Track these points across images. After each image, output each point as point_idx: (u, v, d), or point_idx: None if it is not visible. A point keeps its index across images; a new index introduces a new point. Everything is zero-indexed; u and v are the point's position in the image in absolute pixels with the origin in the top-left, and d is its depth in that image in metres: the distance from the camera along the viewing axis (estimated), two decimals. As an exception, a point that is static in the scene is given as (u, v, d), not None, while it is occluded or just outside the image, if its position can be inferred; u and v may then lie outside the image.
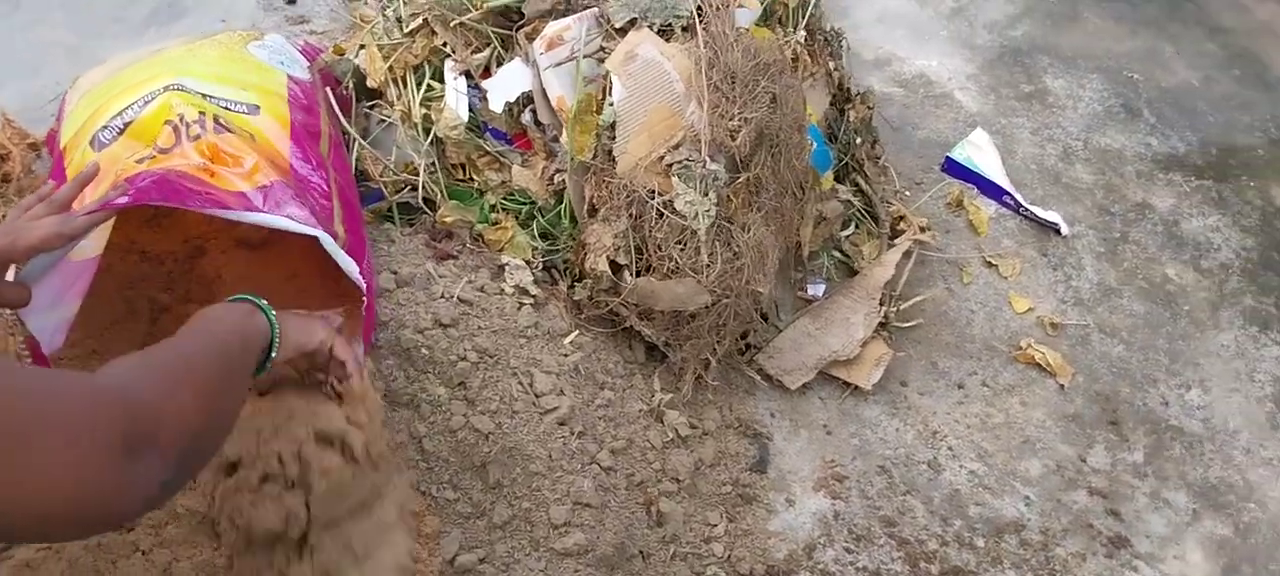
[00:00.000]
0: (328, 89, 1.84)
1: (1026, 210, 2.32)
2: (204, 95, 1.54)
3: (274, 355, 1.12)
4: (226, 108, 1.54)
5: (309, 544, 1.20)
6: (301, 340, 1.17)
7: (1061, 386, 2.04)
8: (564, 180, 1.81)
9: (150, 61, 1.68)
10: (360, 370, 1.24)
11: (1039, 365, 2.06)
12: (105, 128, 1.51)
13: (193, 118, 1.48)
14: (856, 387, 1.94)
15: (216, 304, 1.11)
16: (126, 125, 1.50)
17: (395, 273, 1.68)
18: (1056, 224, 2.31)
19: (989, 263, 2.22)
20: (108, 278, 1.52)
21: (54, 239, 1.19)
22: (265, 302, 1.13)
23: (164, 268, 1.64)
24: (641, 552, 1.63)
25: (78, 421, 0.75)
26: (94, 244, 1.41)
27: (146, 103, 1.52)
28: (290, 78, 1.72)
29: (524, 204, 1.87)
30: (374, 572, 1.25)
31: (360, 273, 1.44)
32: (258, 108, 1.59)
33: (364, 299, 1.46)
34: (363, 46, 1.93)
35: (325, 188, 1.57)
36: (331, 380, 1.23)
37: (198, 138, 1.46)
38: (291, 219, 1.37)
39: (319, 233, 1.37)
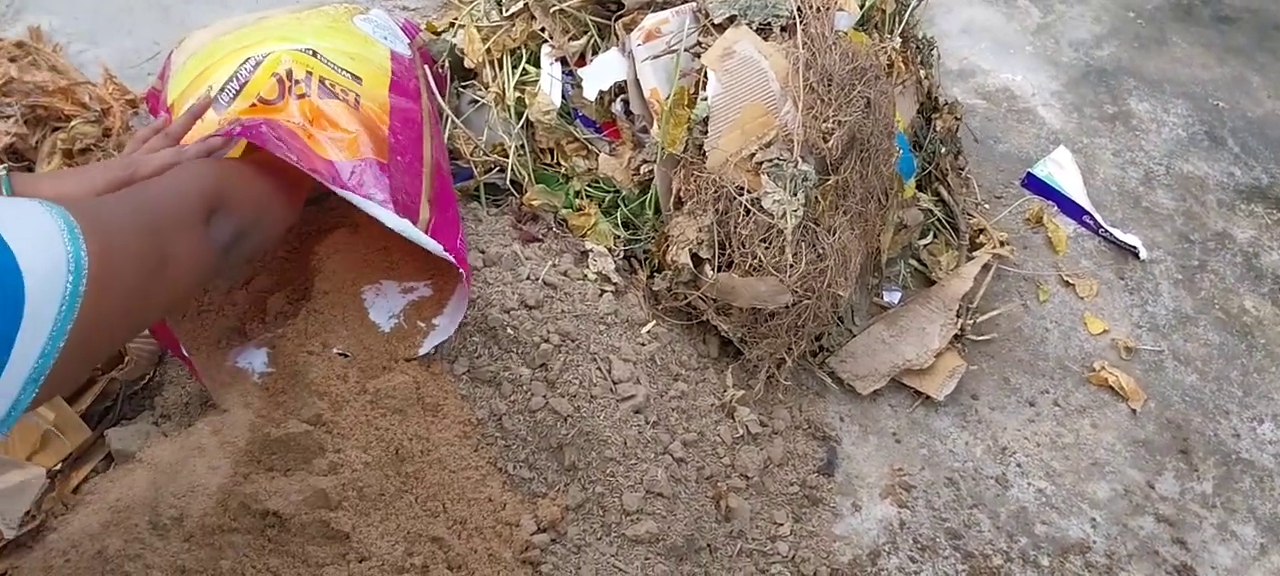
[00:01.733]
0: (426, 67, 1.87)
1: (1106, 232, 2.31)
2: (314, 53, 1.57)
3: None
4: (334, 67, 1.57)
5: None
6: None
7: (1133, 411, 2.02)
8: (650, 171, 1.83)
9: (257, 26, 1.71)
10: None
11: (1111, 388, 2.04)
12: (223, 90, 1.55)
13: (301, 75, 1.52)
14: (927, 397, 1.93)
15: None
16: (242, 86, 1.54)
17: (483, 252, 1.71)
18: (1135, 247, 2.29)
19: (1066, 282, 2.21)
20: None
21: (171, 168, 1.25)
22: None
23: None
24: (709, 546, 1.64)
25: (186, 209, 1.11)
26: None
27: (258, 63, 1.55)
28: (393, 53, 1.75)
29: (608, 192, 1.89)
30: None
31: (456, 248, 1.47)
32: (360, 78, 1.62)
33: (460, 273, 1.48)
34: (460, 26, 1.95)
35: (418, 164, 1.59)
36: None
37: (303, 95, 1.49)
38: (371, 200, 1.40)
39: (401, 225, 1.39)
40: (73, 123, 1.81)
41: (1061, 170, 2.39)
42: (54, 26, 2.23)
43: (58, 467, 1.47)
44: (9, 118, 1.78)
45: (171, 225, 1.05)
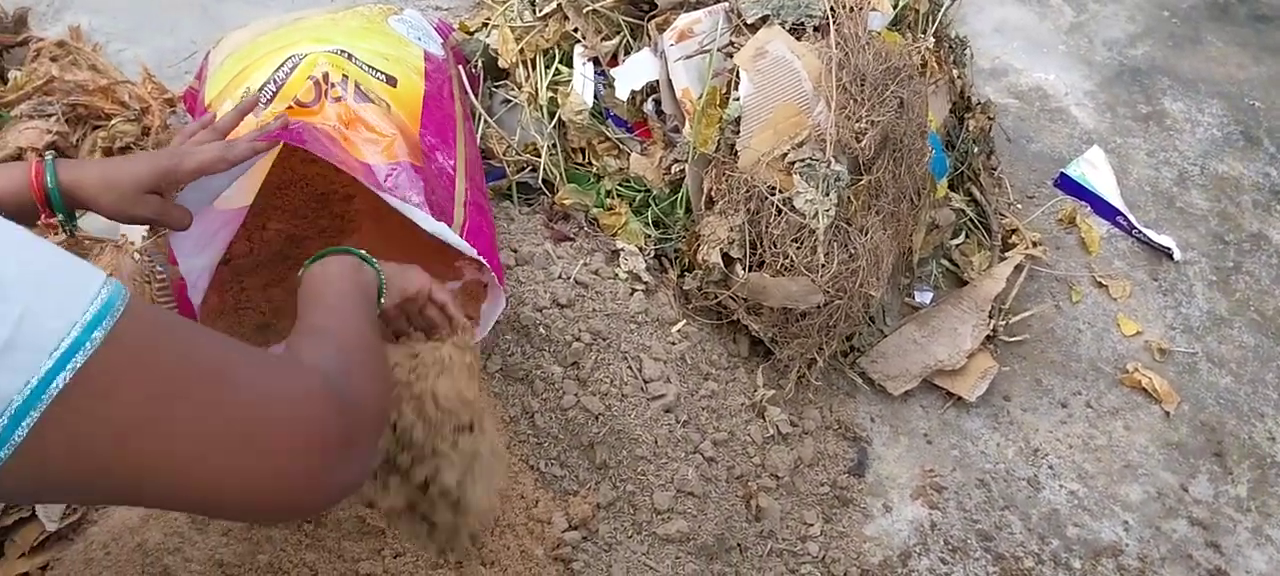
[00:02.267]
0: (460, 67, 1.88)
1: (1139, 232, 2.29)
2: (348, 56, 1.59)
3: (382, 303, 1.14)
4: (368, 71, 1.59)
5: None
6: (403, 285, 1.20)
7: (1166, 413, 2.01)
8: (681, 170, 1.83)
9: (294, 27, 1.73)
10: (459, 309, 1.27)
11: (1145, 390, 2.03)
12: (260, 91, 1.56)
13: (337, 79, 1.53)
14: (959, 398, 1.93)
15: (321, 263, 1.10)
16: (279, 88, 1.55)
17: (515, 251, 1.72)
18: (1169, 248, 2.28)
19: (1099, 283, 2.20)
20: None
21: (218, 163, 1.23)
22: (363, 252, 1.14)
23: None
24: (739, 545, 1.65)
25: (311, 422, 0.76)
26: (242, 194, 1.46)
27: (295, 65, 1.57)
28: (426, 53, 1.76)
29: (639, 191, 1.89)
30: (486, 490, 1.24)
31: (488, 249, 1.48)
32: (395, 80, 1.63)
33: (487, 272, 1.49)
34: (494, 26, 1.96)
35: (451, 166, 1.60)
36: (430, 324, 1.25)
37: (339, 99, 1.50)
38: (407, 203, 1.41)
39: (438, 227, 1.40)
40: (112, 121, 1.83)
41: (1095, 170, 2.37)
42: (94, 26, 2.26)
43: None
44: (50, 116, 1.80)
45: (274, 439, 0.74)
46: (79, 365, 0.61)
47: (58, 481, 0.65)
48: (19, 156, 1.73)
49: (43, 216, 1.15)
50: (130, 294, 0.66)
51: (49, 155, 1.20)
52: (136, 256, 1.61)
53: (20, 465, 0.60)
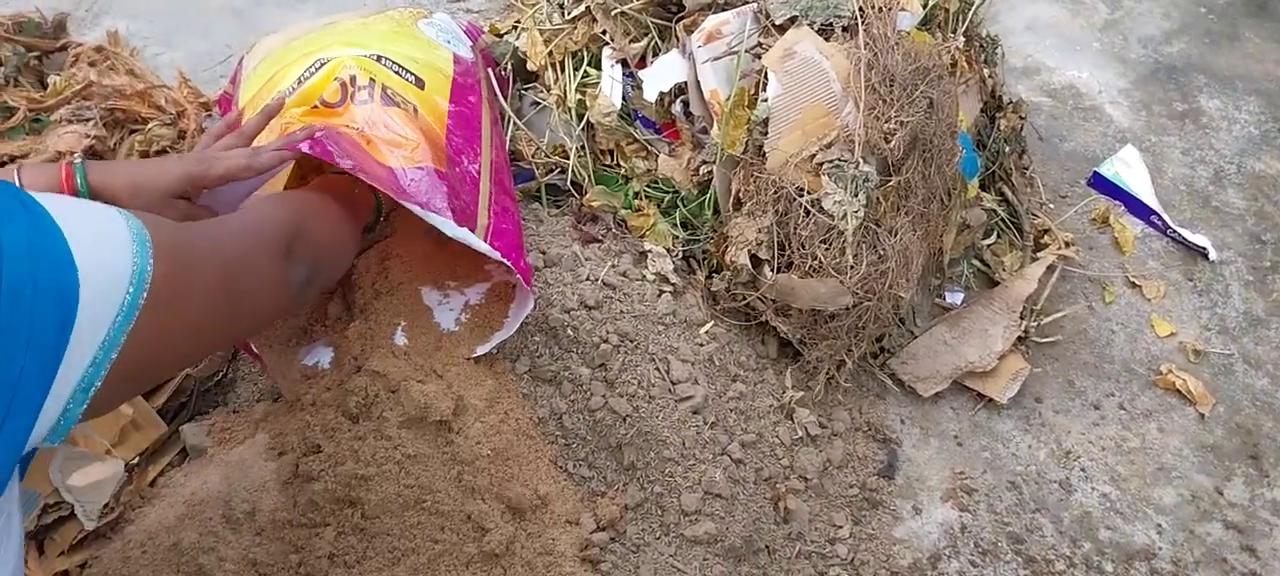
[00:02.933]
0: (489, 70, 1.89)
1: (1174, 232, 2.27)
2: (377, 59, 1.60)
3: (381, 219, 1.59)
4: (396, 72, 1.60)
5: None
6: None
7: (1201, 415, 1.99)
8: (709, 171, 1.83)
9: (326, 31, 1.75)
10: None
11: (1179, 392, 2.01)
12: (286, 92, 1.58)
13: (363, 82, 1.55)
14: (990, 400, 1.92)
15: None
16: (300, 83, 1.57)
17: (543, 253, 1.73)
18: (1204, 248, 2.25)
19: (1132, 283, 2.18)
20: None
21: (244, 171, 1.28)
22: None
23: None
24: (767, 547, 1.65)
25: (267, 243, 1.12)
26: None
27: (321, 66, 1.58)
28: (455, 56, 1.77)
29: (667, 192, 1.90)
30: None
31: (514, 250, 1.49)
32: (423, 82, 1.65)
33: (516, 276, 1.50)
34: (523, 29, 1.97)
35: (476, 171, 1.61)
36: None
37: (365, 103, 1.52)
38: (429, 209, 1.41)
39: (459, 232, 1.41)
40: (149, 125, 1.86)
41: (1129, 169, 2.35)
42: (131, 30, 2.30)
43: (135, 461, 1.52)
44: (88, 121, 1.83)
45: (248, 259, 1.06)
46: (148, 275, 0.81)
47: (143, 361, 0.83)
48: (58, 160, 1.76)
49: None
50: (142, 223, 0.84)
51: (78, 157, 1.23)
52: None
53: (130, 353, 0.79)
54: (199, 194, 1.26)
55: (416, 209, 1.38)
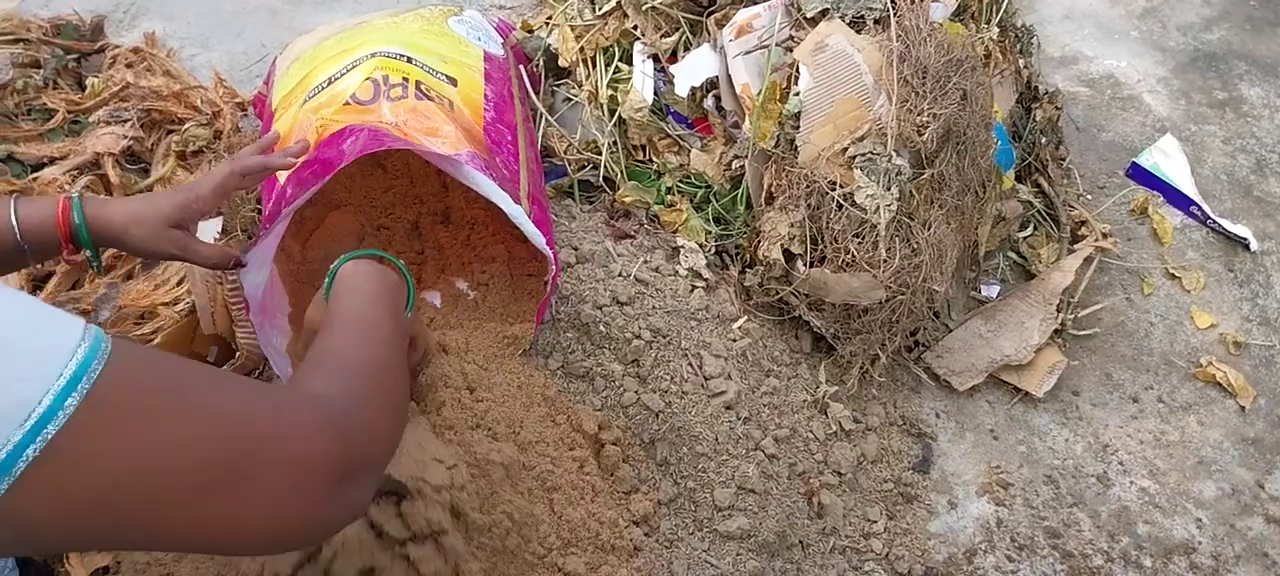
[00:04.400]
0: (521, 67, 1.90)
1: (1214, 222, 2.23)
2: (408, 59, 1.61)
3: (409, 313, 1.16)
4: (429, 72, 1.61)
5: None
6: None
7: (1242, 408, 1.96)
8: (741, 166, 1.83)
9: (357, 31, 1.76)
10: None
11: (1219, 384, 1.98)
12: (314, 89, 1.60)
13: (397, 81, 1.56)
14: (1026, 394, 1.90)
15: (351, 265, 1.11)
16: (330, 81, 1.59)
17: (576, 249, 1.73)
18: (1245, 238, 2.22)
19: (1172, 274, 2.15)
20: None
21: (229, 177, 1.25)
22: (398, 259, 1.19)
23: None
24: (801, 542, 1.65)
25: (303, 456, 0.74)
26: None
27: (353, 66, 1.60)
28: (486, 53, 1.78)
29: (699, 187, 1.89)
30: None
31: (547, 245, 1.49)
32: (455, 81, 1.66)
33: (550, 272, 1.51)
34: (555, 26, 1.97)
35: (514, 164, 1.62)
36: None
37: (399, 99, 1.53)
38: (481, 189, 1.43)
39: (514, 207, 1.42)
40: (186, 126, 1.88)
41: (1168, 159, 2.32)
42: (167, 31, 2.32)
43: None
44: (126, 122, 1.85)
45: (265, 461, 0.72)
46: (51, 435, 0.60)
47: (39, 539, 0.65)
48: (96, 162, 1.78)
49: (66, 252, 1.16)
50: (111, 343, 0.65)
51: (74, 193, 1.22)
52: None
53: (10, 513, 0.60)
54: (195, 219, 1.24)
55: (477, 180, 1.39)
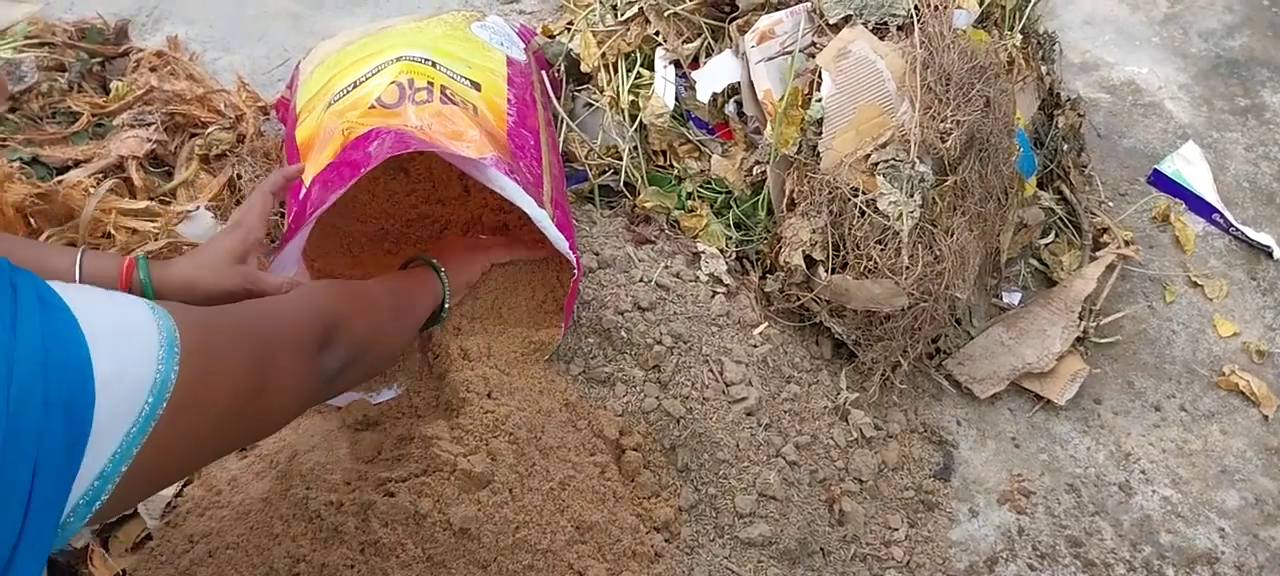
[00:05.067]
0: (542, 72, 1.90)
1: (1236, 230, 2.22)
2: (433, 64, 1.62)
3: (447, 308, 1.50)
4: (453, 77, 1.62)
5: None
6: (467, 278, 1.58)
7: (1265, 417, 1.95)
8: (762, 172, 1.83)
9: (380, 35, 1.76)
10: None
11: (1242, 393, 1.97)
12: (338, 93, 1.60)
13: (422, 85, 1.56)
14: (1048, 402, 1.89)
15: (409, 271, 1.51)
16: (355, 85, 1.59)
17: (597, 254, 1.73)
18: (1268, 247, 2.21)
19: (1194, 282, 2.14)
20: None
21: (263, 198, 1.35)
22: (436, 261, 1.50)
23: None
24: (822, 549, 1.64)
25: (299, 335, 1.06)
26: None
27: (378, 70, 1.60)
28: (509, 58, 1.78)
29: (720, 193, 1.89)
30: None
31: (569, 249, 1.50)
32: (479, 86, 1.66)
33: (573, 276, 1.51)
34: (576, 31, 1.98)
35: (537, 169, 1.62)
36: None
37: (424, 103, 1.53)
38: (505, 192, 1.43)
39: (537, 211, 1.43)
40: (209, 130, 1.89)
41: (1190, 166, 2.31)
42: (191, 35, 2.33)
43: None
44: (150, 125, 1.86)
45: (279, 349, 0.99)
46: (168, 392, 0.77)
47: (160, 478, 0.83)
48: (120, 165, 1.79)
49: None
50: (166, 309, 0.82)
51: (141, 254, 1.27)
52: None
53: (141, 463, 0.75)
54: (255, 252, 1.29)
55: (501, 182, 1.40)
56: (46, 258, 1.16)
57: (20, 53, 1.97)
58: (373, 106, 1.52)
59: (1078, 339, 1.95)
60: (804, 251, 1.71)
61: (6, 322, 0.66)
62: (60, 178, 1.76)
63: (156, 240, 1.68)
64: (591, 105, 1.94)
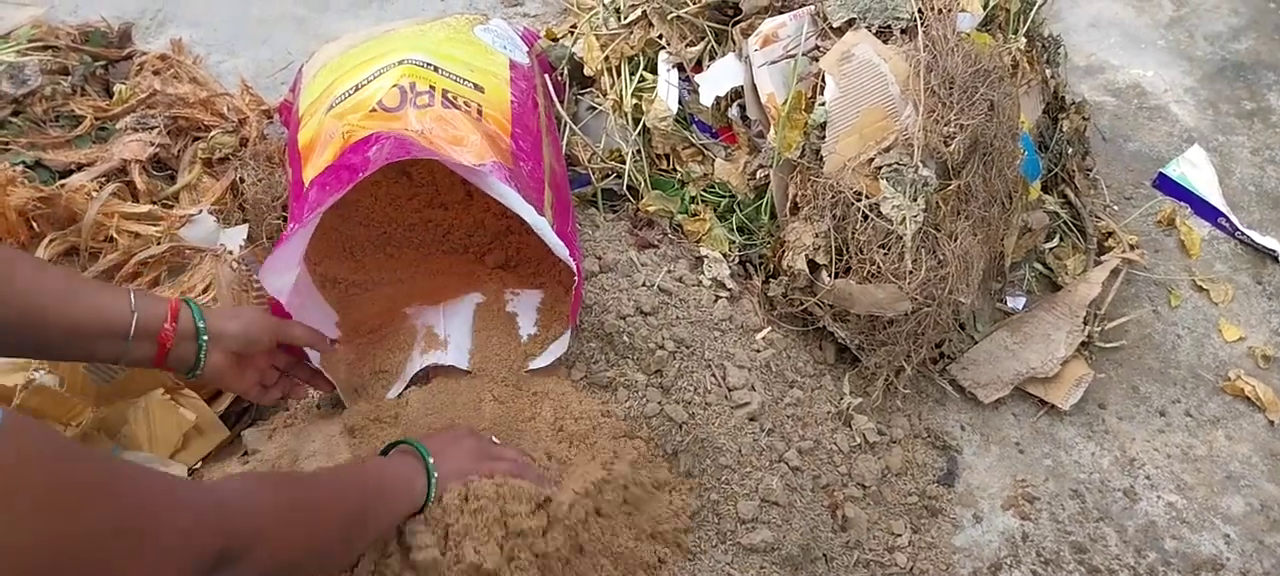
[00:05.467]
0: (545, 75, 1.90)
1: (1242, 234, 2.22)
2: (435, 68, 1.61)
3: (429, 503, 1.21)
4: (455, 80, 1.61)
5: None
6: (461, 470, 1.27)
7: (1271, 422, 1.94)
8: (765, 176, 1.82)
9: (383, 39, 1.76)
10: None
11: (1248, 398, 1.96)
12: (339, 95, 1.60)
13: (423, 88, 1.56)
14: (1052, 407, 1.89)
15: (387, 460, 1.24)
16: (357, 88, 1.59)
17: (599, 258, 1.73)
18: (1274, 250, 2.20)
19: (1199, 287, 2.13)
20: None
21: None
22: (432, 461, 1.22)
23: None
24: (825, 555, 1.63)
25: (180, 535, 0.77)
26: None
27: (380, 73, 1.60)
28: (512, 61, 1.78)
29: (723, 197, 1.89)
30: None
31: (570, 255, 1.49)
32: (482, 88, 1.66)
33: (573, 282, 1.51)
34: (579, 34, 1.97)
35: (539, 173, 1.62)
36: None
37: (426, 106, 1.53)
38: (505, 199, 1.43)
39: (536, 218, 1.42)
40: (212, 133, 1.89)
41: (1195, 170, 2.30)
42: (194, 38, 2.33)
43: (198, 465, 1.54)
44: (153, 129, 1.87)
45: (143, 548, 0.74)
46: None
47: None
48: (123, 169, 1.79)
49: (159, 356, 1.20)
50: (8, 421, 0.65)
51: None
52: (234, 266, 1.66)
53: None
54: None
55: (500, 189, 1.39)
56: (102, 305, 1.13)
57: (24, 56, 1.97)
58: (374, 110, 1.52)
59: (1082, 343, 1.94)
60: (807, 255, 1.71)
61: None
62: (63, 181, 1.77)
63: (159, 244, 1.68)
64: (594, 109, 1.94)
